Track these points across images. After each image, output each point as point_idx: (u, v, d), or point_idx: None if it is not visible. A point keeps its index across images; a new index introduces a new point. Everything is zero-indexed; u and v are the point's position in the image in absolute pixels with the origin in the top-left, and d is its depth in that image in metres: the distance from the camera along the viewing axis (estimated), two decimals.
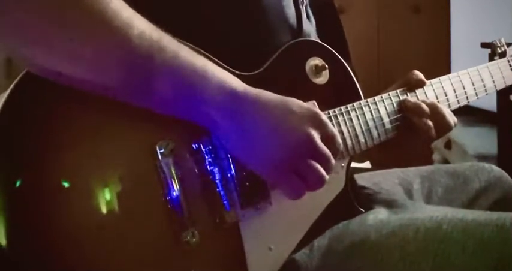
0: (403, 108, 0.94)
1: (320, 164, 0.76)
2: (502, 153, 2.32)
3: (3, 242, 0.63)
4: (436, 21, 3.74)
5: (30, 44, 0.65)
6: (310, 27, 0.97)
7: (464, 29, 3.51)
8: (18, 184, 0.64)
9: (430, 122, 0.92)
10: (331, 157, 0.77)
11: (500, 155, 2.32)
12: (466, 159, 2.49)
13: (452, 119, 0.95)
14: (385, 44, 3.80)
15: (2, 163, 0.64)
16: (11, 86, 0.66)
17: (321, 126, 0.77)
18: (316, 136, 0.76)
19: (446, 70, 3.67)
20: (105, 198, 0.68)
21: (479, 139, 2.61)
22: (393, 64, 3.73)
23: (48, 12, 0.64)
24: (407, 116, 0.94)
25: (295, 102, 0.78)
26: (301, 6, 0.94)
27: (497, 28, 2.91)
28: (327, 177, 0.77)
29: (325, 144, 0.77)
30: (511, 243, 0.76)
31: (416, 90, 0.98)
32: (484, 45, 2.33)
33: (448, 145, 2.67)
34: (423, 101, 0.94)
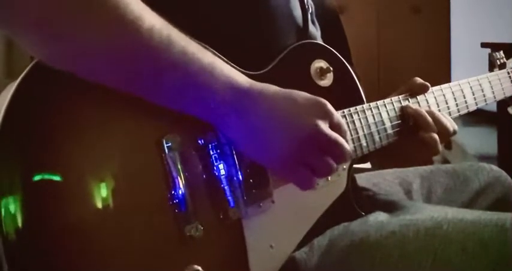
0: (405, 114, 0.95)
1: (334, 151, 0.77)
2: (502, 153, 2.32)
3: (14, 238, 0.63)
4: (436, 22, 3.75)
5: (40, 32, 0.65)
6: (315, 32, 0.97)
7: (464, 29, 3.52)
8: (30, 180, 0.64)
9: (436, 136, 0.93)
10: (345, 143, 0.77)
11: (500, 155, 2.32)
12: (466, 159, 2.50)
13: (452, 126, 0.96)
14: (385, 44, 3.80)
15: (13, 160, 0.64)
16: (18, 81, 0.66)
17: (327, 116, 0.77)
18: (323, 126, 0.76)
19: (446, 70, 3.68)
20: (110, 191, 0.68)
21: (479, 139, 2.62)
22: (393, 64, 3.74)
23: (59, 3, 0.64)
24: (408, 122, 0.94)
25: (300, 94, 0.78)
26: (308, 11, 0.95)
27: (497, 28, 2.92)
28: (335, 165, 0.77)
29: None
30: (510, 243, 0.76)
31: (418, 97, 0.98)
32: (484, 45, 2.34)
33: (448, 145, 2.67)
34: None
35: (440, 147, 0.94)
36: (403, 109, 0.95)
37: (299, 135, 0.75)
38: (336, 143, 0.77)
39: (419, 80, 1.00)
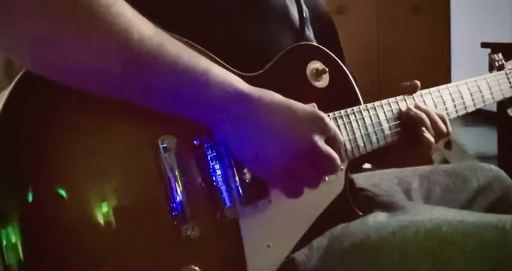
0: (405, 117, 0.95)
1: (326, 166, 0.77)
2: (502, 153, 2.32)
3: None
4: (436, 21, 3.75)
5: (28, 44, 0.65)
6: (311, 35, 0.97)
7: (464, 29, 3.52)
8: (27, 188, 0.64)
9: (432, 138, 0.94)
10: (337, 158, 0.78)
11: (500, 155, 2.32)
12: (466, 159, 2.50)
13: (446, 126, 0.96)
14: (385, 44, 3.80)
15: (8, 172, 0.64)
16: (9, 88, 0.66)
17: (324, 130, 0.77)
18: (320, 142, 0.76)
19: (446, 70, 3.68)
20: (107, 192, 0.68)
21: (479, 139, 2.62)
22: (393, 64, 3.74)
23: (47, 14, 0.64)
24: (408, 125, 0.95)
25: (299, 106, 0.78)
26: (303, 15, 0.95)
27: (497, 28, 2.92)
28: (326, 179, 0.78)
29: (328, 145, 0.77)
30: (510, 245, 0.76)
31: (415, 98, 0.98)
32: (484, 45, 2.34)
33: (448, 145, 2.67)
34: (418, 107, 0.96)
35: (434, 149, 0.95)
36: (401, 112, 0.95)
37: (294, 147, 0.75)
38: (329, 159, 0.77)
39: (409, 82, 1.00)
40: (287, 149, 0.75)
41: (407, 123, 0.95)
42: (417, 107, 0.96)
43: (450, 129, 0.97)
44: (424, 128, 0.93)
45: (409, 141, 0.94)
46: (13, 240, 0.63)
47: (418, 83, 1.00)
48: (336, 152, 0.78)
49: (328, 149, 0.77)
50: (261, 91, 0.76)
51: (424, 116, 0.94)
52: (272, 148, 0.75)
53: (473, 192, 1.12)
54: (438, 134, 0.95)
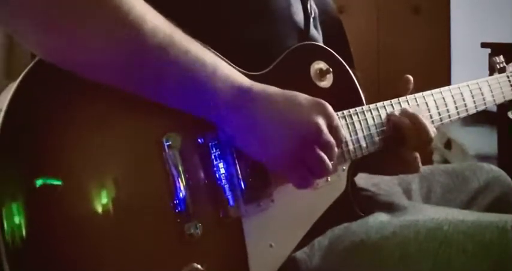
0: (391, 122, 0.93)
1: (325, 152, 0.77)
2: (502, 153, 2.32)
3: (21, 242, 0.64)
4: (436, 22, 3.74)
5: (42, 31, 0.66)
6: (317, 36, 0.98)
7: (464, 29, 3.52)
8: (32, 182, 0.64)
9: (416, 154, 0.94)
10: (335, 146, 0.78)
11: (500, 155, 2.32)
12: (466, 159, 2.49)
13: (431, 129, 0.93)
14: (385, 44, 3.80)
15: (14, 162, 0.65)
16: (18, 81, 0.67)
17: (328, 116, 0.78)
18: (324, 125, 0.77)
19: (446, 70, 3.68)
20: (111, 189, 0.69)
21: (479, 139, 2.61)
22: (393, 64, 3.73)
23: (63, 3, 0.65)
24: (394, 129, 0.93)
25: (301, 95, 0.79)
26: (310, 16, 0.96)
27: (497, 28, 2.92)
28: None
29: (331, 134, 0.78)
30: (511, 245, 0.76)
31: (417, 99, 0.98)
32: (484, 45, 2.34)
33: (448, 145, 2.67)
34: (405, 111, 0.94)
35: (419, 164, 0.95)
36: (387, 117, 0.93)
37: (300, 132, 0.76)
38: (328, 144, 0.77)
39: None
40: (292, 133, 0.76)
41: (392, 127, 0.93)
42: (404, 111, 0.94)
43: (433, 135, 0.93)
44: (408, 139, 0.92)
45: (396, 146, 0.93)
46: (16, 221, 0.63)
47: (410, 77, 0.99)
48: (337, 142, 0.78)
49: (329, 136, 0.77)
50: (263, 85, 0.78)
51: (406, 122, 0.92)
52: (277, 134, 0.75)
53: (474, 192, 1.13)
54: (421, 139, 0.92)
